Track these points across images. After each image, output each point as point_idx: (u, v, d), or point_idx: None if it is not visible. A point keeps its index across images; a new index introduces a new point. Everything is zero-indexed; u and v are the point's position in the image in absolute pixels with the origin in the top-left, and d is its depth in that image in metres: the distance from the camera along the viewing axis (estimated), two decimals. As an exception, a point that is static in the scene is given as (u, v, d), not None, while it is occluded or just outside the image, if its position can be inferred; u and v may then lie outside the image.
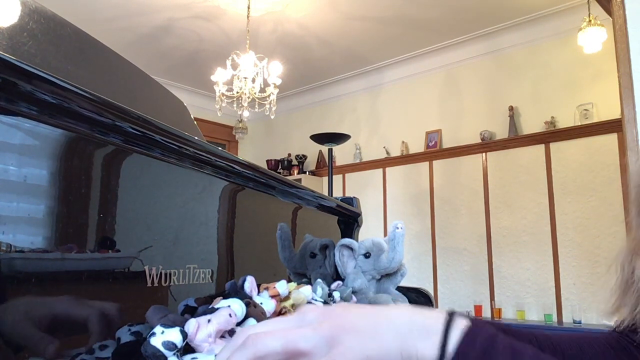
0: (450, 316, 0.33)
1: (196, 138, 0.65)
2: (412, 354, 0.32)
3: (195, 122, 1.44)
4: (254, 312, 0.58)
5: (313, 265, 1.09)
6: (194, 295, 0.63)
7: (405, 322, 0.33)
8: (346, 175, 4.99)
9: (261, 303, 0.63)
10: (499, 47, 4.12)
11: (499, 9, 3.76)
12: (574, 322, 3.37)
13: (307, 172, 5.25)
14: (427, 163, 4.40)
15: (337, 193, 4.77)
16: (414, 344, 0.32)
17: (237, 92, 3.41)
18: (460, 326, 0.32)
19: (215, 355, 0.48)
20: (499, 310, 3.78)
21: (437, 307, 3.92)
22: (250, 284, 0.64)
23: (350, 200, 1.33)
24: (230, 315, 0.52)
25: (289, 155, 5.49)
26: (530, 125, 3.90)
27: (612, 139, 3.46)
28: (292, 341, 0.33)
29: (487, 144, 4.03)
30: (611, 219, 3.41)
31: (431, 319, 0.33)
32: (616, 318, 0.54)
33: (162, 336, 0.45)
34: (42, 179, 0.45)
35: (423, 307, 0.38)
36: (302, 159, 5.32)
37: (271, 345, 0.33)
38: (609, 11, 2.09)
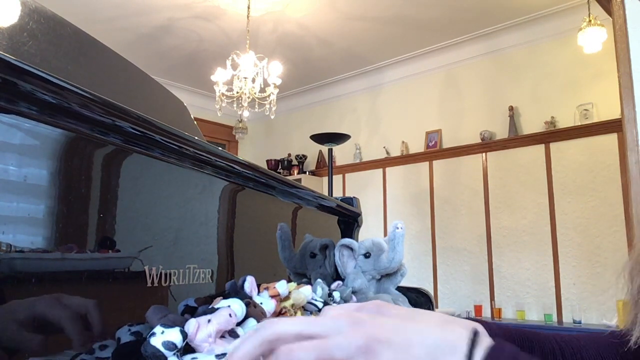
0: (475, 334, 0.34)
1: (196, 138, 0.65)
2: None
3: (195, 122, 1.44)
4: (254, 312, 0.58)
5: (313, 265, 1.09)
6: (194, 295, 0.63)
7: (435, 338, 0.34)
8: (346, 175, 4.99)
9: (261, 303, 0.63)
10: (499, 47, 4.12)
11: (499, 9, 3.76)
12: (574, 322, 3.37)
13: (307, 172, 5.25)
14: (427, 163, 4.40)
15: (337, 193, 4.78)
16: (442, 358, 0.33)
17: (237, 92, 3.41)
18: (484, 345, 0.34)
19: (216, 355, 0.48)
20: (499, 310, 3.78)
21: (437, 307, 3.92)
22: (250, 284, 0.64)
23: (350, 200, 1.33)
24: (230, 315, 0.52)
25: (289, 155, 5.49)
26: (530, 125, 3.90)
27: (612, 139, 3.46)
28: (326, 352, 0.33)
29: (487, 144, 4.03)
30: (611, 219, 3.41)
31: (457, 336, 0.34)
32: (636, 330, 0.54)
33: (162, 336, 0.45)
34: (42, 179, 0.45)
35: (448, 319, 0.39)
36: (302, 159, 5.32)
37: (305, 359, 0.33)
38: (609, 11, 2.09)
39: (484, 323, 0.53)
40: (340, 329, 0.34)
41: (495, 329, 0.54)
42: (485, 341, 0.34)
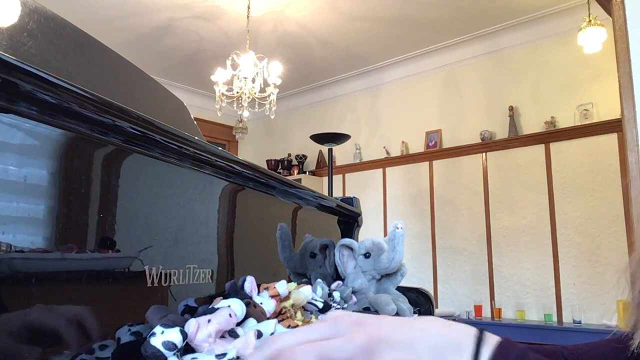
0: (481, 332, 0.34)
1: (196, 138, 0.65)
2: None
3: (195, 122, 1.44)
4: (254, 312, 0.58)
5: (313, 265, 1.09)
6: (194, 295, 0.63)
7: (439, 336, 0.33)
8: (346, 175, 4.99)
9: (261, 303, 0.63)
10: (499, 47, 4.12)
11: (499, 9, 3.76)
12: (574, 322, 3.37)
13: (307, 172, 5.25)
14: (427, 163, 4.40)
15: (337, 193, 4.77)
16: (448, 357, 0.32)
17: (237, 92, 3.41)
18: (491, 342, 0.33)
19: (216, 355, 0.48)
20: (499, 310, 3.78)
21: (437, 307, 3.91)
22: (250, 284, 0.64)
23: (350, 200, 1.33)
24: (230, 315, 0.52)
25: (289, 155, 5.49)
26: (530, 125, 3.90)
27: (612, 139, 3.46)
28: (327, 354, 0.32)
29: (487, 144, 4.03)
30: (611, 219, 3.41)
31: (463, 334, 0.33)
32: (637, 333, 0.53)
33: (162, 336, 0.45)
34: (42, 179, 0.45)
35: (452, 321, 0.38)
36: (302, 159, 5.32)
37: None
38: (609, 11, 2.09)
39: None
40: (341, 330, 0.34)
41: None
42: (493, 339, 0.33)
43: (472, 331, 0.34)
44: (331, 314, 0.37)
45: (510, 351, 0.32)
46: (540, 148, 3.78)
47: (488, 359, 0.32)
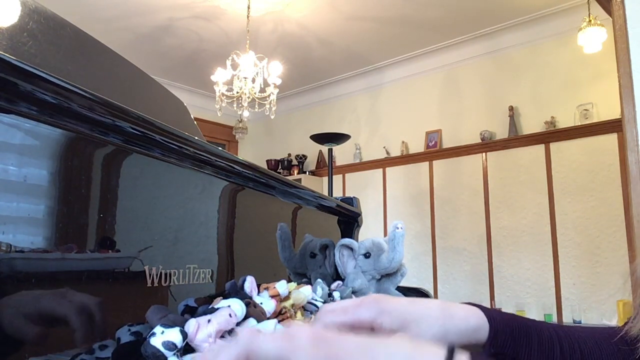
0: (451, 352, 0.32)
1: (196, 138, 0.65)
2: None
3: (195, 122, 1.44)
4: (254, 312, 0.58)
5: (313, 265, 1.09)
6: (194, 295, 0.63)
7: (403, 358, 0.31)
8: (346, 175, 4.99)
9: (261, 303, 0.63)
10: (499, 47, 4.12)
11: (499, 9, 3.76)
12: (574, 322, 3.37)
13: (307, 172, 5.25)
14: (427, 163, 4.40)
15: (337, 193, 4.77)
16: None
17: (237, 92, 3.41)
18: None
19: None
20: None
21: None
22: (250, 284, 0.64)
23: (350, 200, 1.33)
24: (230, 315, 0.52)
25: (289, 155, 5.49)
26: (530, 125, 3.90)
27: (612, 139, 3.46)
28: (290, 352, 0.31)
29: (487, 144, 4.03)
30: (611, 219, 3.41)
31: (430, 355, 0.32)
32: None
33: (162, 336, 0.45)
34: (42, 179, 0.45)
35: (422, 341, 0.37)
36: (302, 159, 5.32)
37: (267, 348, 0.31)
38: (609, 11, 2.09)
39: (483, 308, 0.53)
40: (302, 344, 0.32)
41: (496, 315, 0.53)
42: (462, 358, 0.32)
43: (441, 352, 0.32)
44: (291, 326, 0.35)
45: None
46: (540, 148, 3.78)
47: None
